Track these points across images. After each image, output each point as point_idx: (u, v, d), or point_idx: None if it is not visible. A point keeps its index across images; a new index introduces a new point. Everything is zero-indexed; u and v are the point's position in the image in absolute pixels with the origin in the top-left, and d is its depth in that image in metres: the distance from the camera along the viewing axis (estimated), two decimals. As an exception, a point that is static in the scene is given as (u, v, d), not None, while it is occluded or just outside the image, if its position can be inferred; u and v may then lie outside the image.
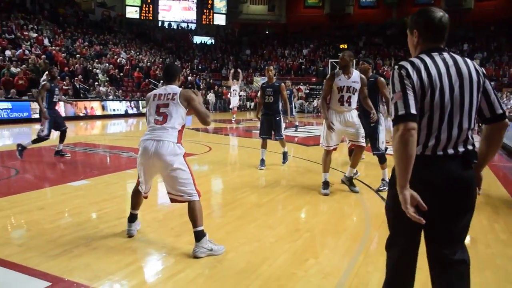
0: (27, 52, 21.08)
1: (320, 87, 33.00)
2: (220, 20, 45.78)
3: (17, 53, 20.53)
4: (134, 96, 24.63)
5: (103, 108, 21.14)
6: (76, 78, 21.00)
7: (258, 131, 8.02)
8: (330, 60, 31.63)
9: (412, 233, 2.16)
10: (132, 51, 31.03)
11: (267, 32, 46.41)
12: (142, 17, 42.30)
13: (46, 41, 23.90)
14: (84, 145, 10.33)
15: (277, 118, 7.71)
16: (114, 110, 21.66)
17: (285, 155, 7.98)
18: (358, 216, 5.01)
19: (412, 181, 1.97)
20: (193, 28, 44.68)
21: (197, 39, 43.28)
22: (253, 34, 44.89)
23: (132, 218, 4.02)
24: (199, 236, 3.57)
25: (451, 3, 36.61)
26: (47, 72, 19.09)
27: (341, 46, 35.48)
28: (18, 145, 7.96)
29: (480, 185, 2.24)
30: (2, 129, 14.68)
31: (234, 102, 19.79)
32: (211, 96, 28.49)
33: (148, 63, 29.90)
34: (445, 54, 2.12)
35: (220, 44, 43.45)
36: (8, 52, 20.00)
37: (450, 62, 2.08)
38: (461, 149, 2.08)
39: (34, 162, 8.28)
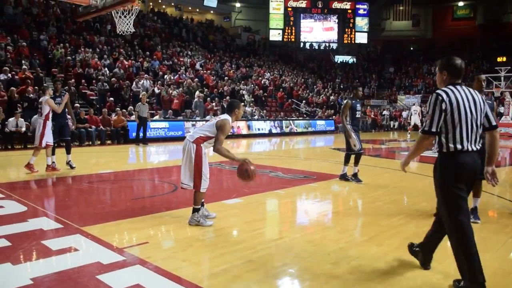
0: (182, 76, 23.09)
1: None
2: (362, 38, 45.20)
3: (174, 77, 22.61)
4: (277, 116, 25.28)
5: (249, 127, 22.10)
6: (224, 99, 22.32)
7: None
8: (485, 76, 28.88)
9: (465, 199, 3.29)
10: (276, 72, 32.07)
11: (411, 49, 44.55)
12: (284, 39, 43.76)
13: (198, 66, 25.93)
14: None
15: None
16: (259, 129, 22.50)
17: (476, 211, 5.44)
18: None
19: (451, 165, 3.24)
20: (334, 47, 44.78)
21: (339, 58, 43.25)
22: (396, 51, 43.43)
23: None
24: (193, 210, 5.03)
25: None
26: (197, 94, 20.67)
27: (498, 59, 32.23)
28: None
29: (496, 176, 3.38)
30: (159, 147, 16.10)
31: (413, 120, 21.80)
32: (352, 116, 27.90)
33: (291, 84, 30.60)
34: (463, 87, 3.27)
35: (362, 62, 42.79)
36: (166, 77, 22.13)
37: (468, 92, 3.24)
38: (477, 146, 3.27)
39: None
